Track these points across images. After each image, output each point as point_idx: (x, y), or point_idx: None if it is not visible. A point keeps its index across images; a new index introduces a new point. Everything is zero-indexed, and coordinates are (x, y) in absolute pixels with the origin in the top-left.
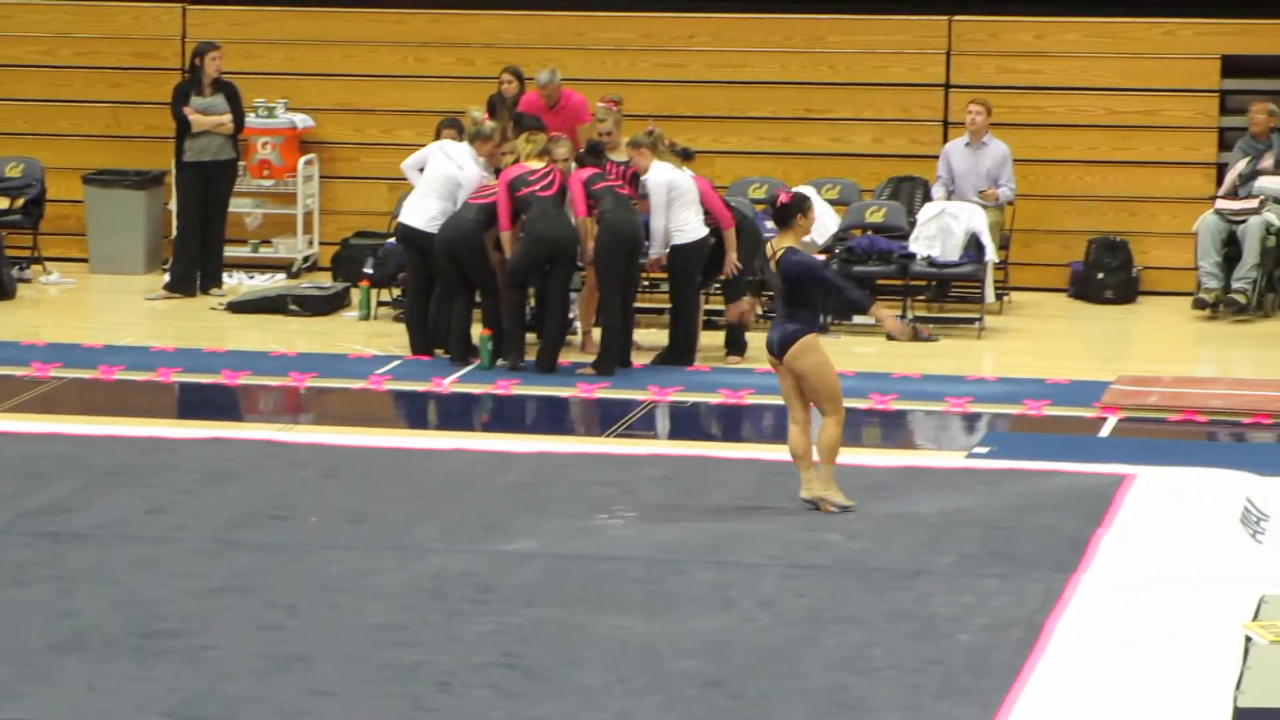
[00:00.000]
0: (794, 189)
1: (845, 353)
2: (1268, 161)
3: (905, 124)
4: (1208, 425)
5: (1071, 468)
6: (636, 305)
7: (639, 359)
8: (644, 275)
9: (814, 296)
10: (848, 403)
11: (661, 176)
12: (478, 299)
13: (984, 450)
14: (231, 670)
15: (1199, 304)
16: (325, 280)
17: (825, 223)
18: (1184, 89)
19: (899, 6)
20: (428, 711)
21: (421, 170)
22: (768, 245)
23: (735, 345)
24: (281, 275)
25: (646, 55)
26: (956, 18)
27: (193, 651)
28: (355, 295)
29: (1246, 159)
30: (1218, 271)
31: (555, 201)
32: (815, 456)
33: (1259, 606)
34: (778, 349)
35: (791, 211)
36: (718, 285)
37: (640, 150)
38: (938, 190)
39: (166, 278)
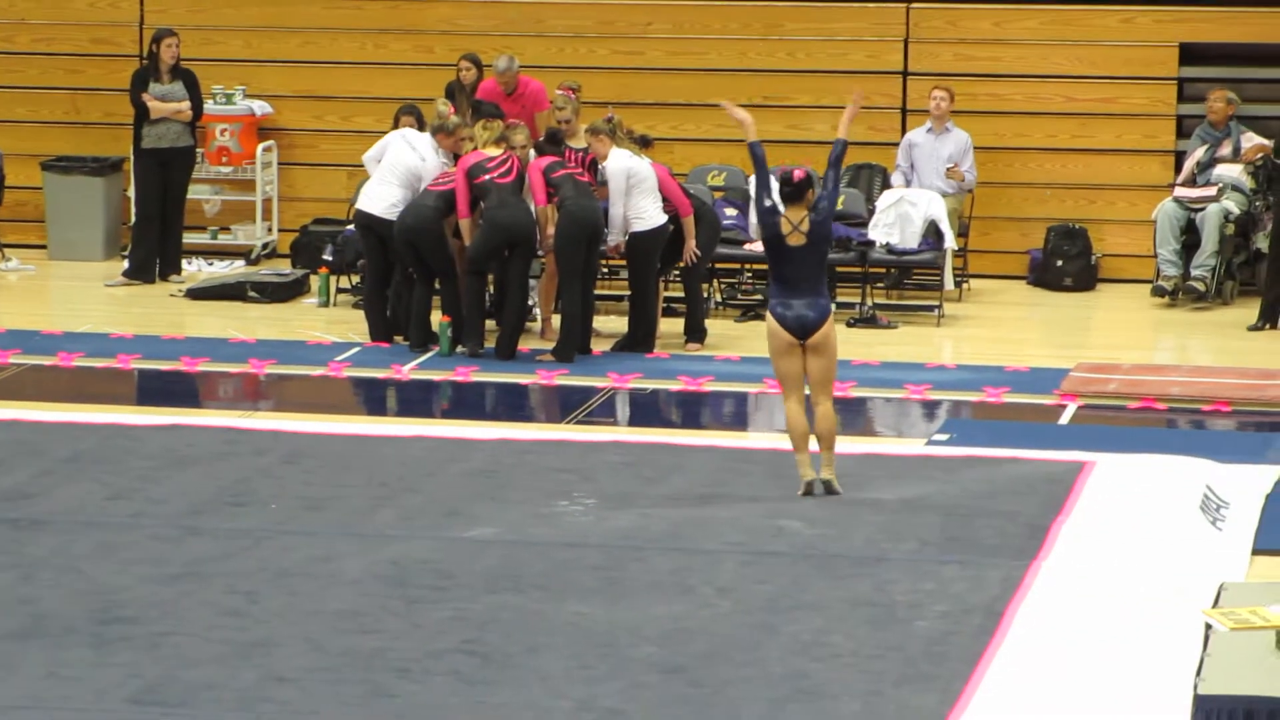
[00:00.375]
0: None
1: None
2: (1226, 149)
3: (864, 111)
4: (1167, 412)
5: (1031, 455)
6: (596, 292)
7: (598, 346)
8: (603, 262)
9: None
10: (806, 390)
11: (620, 164)
12: (437, 286)
13: (944, 437)
14: (191, 657)
15: (1158, 291)
16: (284, 267)
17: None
18: (1142, 77)
19: None
20: (388, 698)
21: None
22: (783, 220)
23: (695, 332)
24: (240, 262)
25: (605, 42)
26: (915, 5)
27: (153, 638)
28: (314, 282)
29: (1205, 147)
30: (1176, 259)
31: (513, 189)
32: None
33: (1219, 593)
34: (813, 327)
35: (806, 187)
36: (677, 272)
37: (599, 137)
38: (897, 178)
39: (125, 264)
